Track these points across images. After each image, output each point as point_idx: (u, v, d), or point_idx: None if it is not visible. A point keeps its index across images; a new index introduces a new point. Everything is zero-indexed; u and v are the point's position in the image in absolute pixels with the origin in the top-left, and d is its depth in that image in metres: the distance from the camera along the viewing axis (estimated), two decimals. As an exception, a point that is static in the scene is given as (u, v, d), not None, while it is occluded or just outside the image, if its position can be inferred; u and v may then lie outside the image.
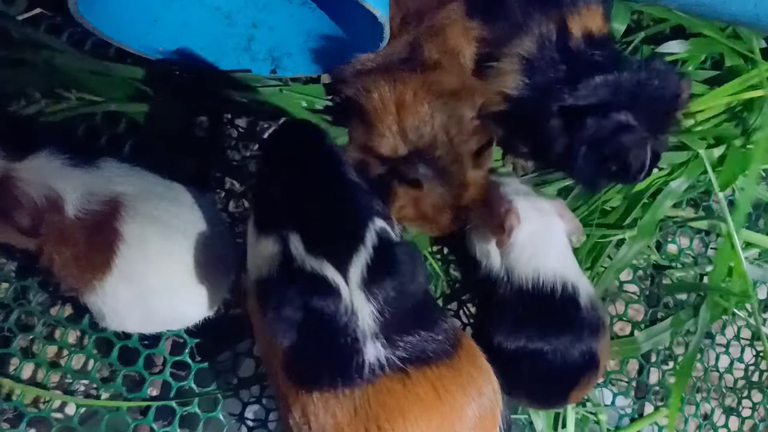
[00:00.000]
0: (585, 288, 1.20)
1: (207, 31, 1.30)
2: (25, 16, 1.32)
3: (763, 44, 1.54)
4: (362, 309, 0.94)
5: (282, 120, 1.21)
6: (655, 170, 1.41)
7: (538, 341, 1.15)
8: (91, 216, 1.08)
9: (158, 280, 1.09)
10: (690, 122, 1.44)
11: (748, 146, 1.47)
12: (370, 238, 0.95)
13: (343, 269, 0.94)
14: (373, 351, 0.95)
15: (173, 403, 1.22)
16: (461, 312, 1.38)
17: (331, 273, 0.93)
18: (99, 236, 1.08)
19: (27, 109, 1.23)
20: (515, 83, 1.26)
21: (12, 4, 1.31)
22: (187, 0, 1.27)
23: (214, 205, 1.19)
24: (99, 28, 1.18)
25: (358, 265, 0.94)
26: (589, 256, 1.40)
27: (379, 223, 0.97)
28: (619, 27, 1.48)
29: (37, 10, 1.32)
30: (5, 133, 1.10)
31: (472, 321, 1.37)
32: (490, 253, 1.22)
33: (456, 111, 1.21)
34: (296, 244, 0.94)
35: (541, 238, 1.19)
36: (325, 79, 1.37)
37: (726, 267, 1.45)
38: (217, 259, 1.14)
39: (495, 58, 1.27)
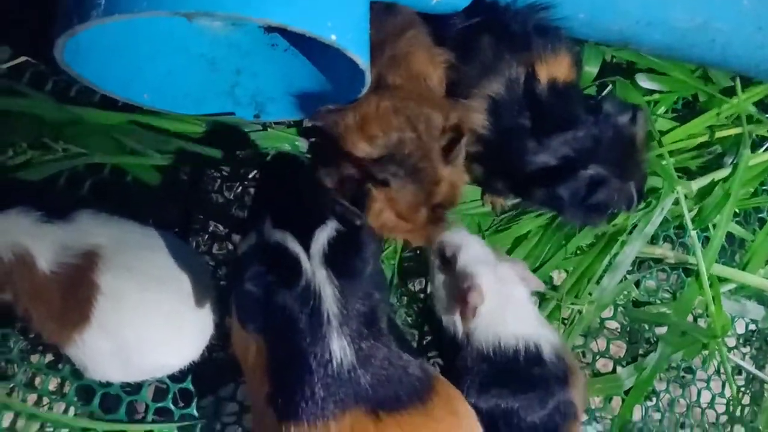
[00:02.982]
0: (548, 341, 1.21)
1: (191, 77, 1.32)
2: (10, 64, 1.33)
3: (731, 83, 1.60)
4: (325, 288, 0.97)
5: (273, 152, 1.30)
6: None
7: (510, 400, 1.16)
8: (67, 269, 1.08)
9: (137, 332, 1.09)
10: (662, 159, 1.48)
11: (723, 183, 1.51)
12: (334, 222, 1.01)
13: (304, 242, 0.99)
14: (338, 344, 0.97)
15: (156, 451, 1.20)
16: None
17: (293, 244, 0.98)
18: (76, 290, 1.07)
19: (14, 160, 1.24)
20: (482, 123, 1.29)
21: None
22: (171, 48, 1.29)
23: (194, 251, 1.19)
24: (84, 76, 1.19)
25: (320, 241, 0.99)
26: (570, 294, 1.42)
27: (343, 211, 1.03)
28: (592, 70, 1.52)
29: (22, 59, 1.34)
30: None
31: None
32: (455, 321, 1.22)
33: (422, 111, 1.21)
34: (267, 226, 1.01)
35: (501, 308, 1.19)
36: (307, 123, 1.40)
37: (690, 301, 1.48)
38: (198, 304, 1.13)
39: (464, 95, 1.30)
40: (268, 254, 0.99)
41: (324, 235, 1.00)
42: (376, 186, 1.18)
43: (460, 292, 1.18)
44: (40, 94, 1.29)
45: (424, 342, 1.39)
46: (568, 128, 1.25)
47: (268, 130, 1.36)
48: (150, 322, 1.10)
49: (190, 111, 1.33)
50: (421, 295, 1.42)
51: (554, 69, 1.28)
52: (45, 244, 1.08)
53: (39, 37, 1.19)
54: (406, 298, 1.41)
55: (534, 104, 1.27)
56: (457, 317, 1.20)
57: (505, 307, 1.20)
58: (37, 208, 1.09)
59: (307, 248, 0.99)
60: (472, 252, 1.23)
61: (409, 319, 1.40)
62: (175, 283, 1.12)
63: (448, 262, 1.23)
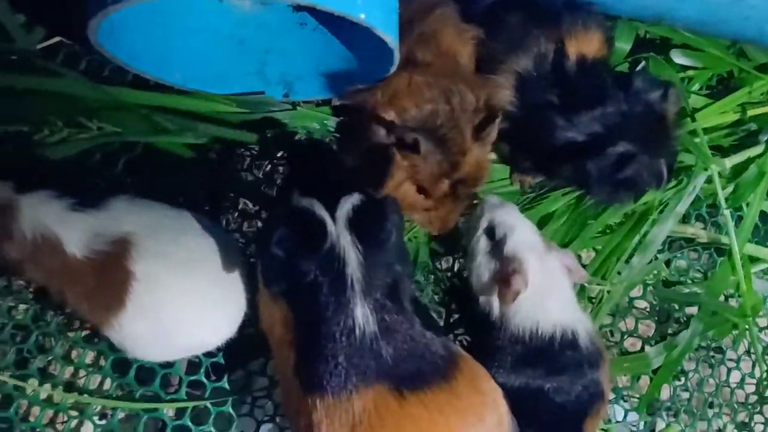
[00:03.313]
0: (584, 328, 1.20)
1: (221, 56, 1.33)
2: (44, 44, 1.35)
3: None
4: (349, 253, 0.99)
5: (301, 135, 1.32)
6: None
7: (541, 380, 1.17)
8: (100, 256, 1.10)
9: (173, 313, 1.12)
10: (695, 136, 1.46)
11: (758, 161, 1.49)
12: (359, 194, 1.03)
13: (330, 208, 1.01)
14: (361, 312, 0.99)
15: (189, 422, 1.23)
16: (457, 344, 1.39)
17: (319, 209, 1.01)
18: (110, 275, 1.10)
19: (50, 138, 1.27)
20: (510, 99, 1.28)
21: (31, 33, 1.35)
22: (201, 27, 1.30)
23: (225, 230, 1.21)
24: (117, 56, 1.21)
25: (345, 207, 1.01)
26: (598, 273, 1.41)
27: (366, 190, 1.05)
28: (624, 46, 1.49)
29: (56, 39, 1.36)
30: (20, 164, 1.13)
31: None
32: (491, 300, 1.21)
33: (457, 87, 1.21)
34: (295, 196, 1.04)
35: (543, 297, 1.18)
36: (336, 102, 1.40)
37: (723, 281, 1.46)
38: (230, 284, 1.16)
39: (492, 71, 1.29)
40: (294, 218, 1.01)
41: (349, 202, 1.02)
42: (402, 152, 1.18)
43: (504, 274, 1.17)
44: (75, 74, 1.31)
45: (451, 320, 1.40)
46: (596, 105, 1.24)
47: (297, 108, 1.37)
48: (185, 304, 1.12)
49: (220, 90, 1.34)
50: (449, 274, 1.43)
51: (584, 45, 1.26)
52: (75, 232, 1.10)
53: (73, 17, 1.21)
54: (433, 276, 1.41)
55: (562, 80, 1.26)
56: (495, 297, 1.20)
57: (547, 296, 1.18)
58: (69, 194, 1.12)
59: (332, 214, 1.00)
60: (524, 236, 1.21)
61: (436, 297, 1.41)
62: (207, 264, 1.14)
63: (495, 241, 1.22)
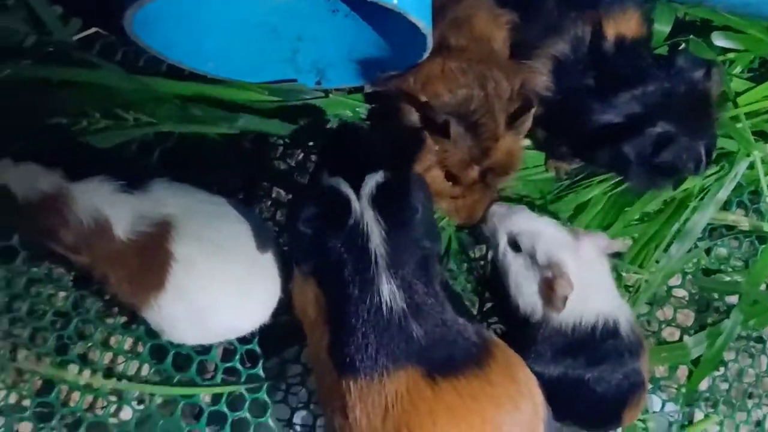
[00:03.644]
0: (625, 316, 1.19)
1: (254, 44, 1.33)
2: (80, 36, 1.37)
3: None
4: (372, 228, 0.99)
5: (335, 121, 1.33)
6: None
7: (580, 370, 1.16)
8: (143, 237, 1.12)
9: (209, 297, 1.14)
10: (737, 121, 1.42)
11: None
12: (386, 172, 1.04)
13: (355, 186, 1.02)
14: (387, 287, 0.99)
15: (225, 408, 1.25)
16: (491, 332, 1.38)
17: (344, 187, 1.02)
18: (152, 256, 1.12)
19: (89, 129, 1.29)
20: (545, 84, 1.26)
21: (67, 25, 1.37)
22: (234, 16, 1.30)
23: (260, 217, 1.22)
24: (152, 46, 1.22)
25: (369, 184, 1.02)
26: (636, 261, 1.39)
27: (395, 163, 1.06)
28: (663, 28, 1.46)
29: (92, 30, 1.38)
30: (67, 153, 1.15)
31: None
32: (533, 306, 1.19)
33: (492, 73, 1.20)
34: (324, 176, 1.05)
35: (584, 290, 1.16)
36: (368, 89, 1.40)
37: (765, 269, 1.43)
38: (265, 269, 1.17)
39: (527, 55, 1.27)
40: (320, 196, 1.03)
41: (374, 179, 1.02)
42: (433, 135, 1.17)
43: (546, 282, 1.15)
44: (111, 65, 1.32)
45: (484, 309, 1.39)
46: (636, 84, 1.21)
47: (330, 96, 1.37)
48: (221, 288, 1.14)
49: (253, 78, 1.35)
50: (482, 262, 1.41)
51: (622, 26, 1.23)
52: (123, 213, 1.12)
53: (109, 8, 1.22)
54: (466, 264, 1.41)
55: (600, 62, 1.23)
56: (539, 303, 1.18)
57: (588, 288, 1.16)
58: (116, 177, 1.13)
59: (357, 191, 1.01)
60: (551, 238, 1.19)
61: (469, 285, 1.40)
62: (243, 249, 1.15)
63: (524, 252, 1.20)
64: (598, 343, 1.16)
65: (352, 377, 0.99)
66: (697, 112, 1.23)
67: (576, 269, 1.16)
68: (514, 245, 1.22)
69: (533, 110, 1.18)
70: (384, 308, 0.99)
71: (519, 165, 1.26)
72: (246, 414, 1.25)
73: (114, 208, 1.12)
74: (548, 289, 1.15)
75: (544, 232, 1.20)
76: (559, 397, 1.12)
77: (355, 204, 1.01)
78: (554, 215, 1.38)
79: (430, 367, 0.98)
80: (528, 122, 1.20)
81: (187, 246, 1.12)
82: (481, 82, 1.19)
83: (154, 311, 1.14)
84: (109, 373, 1.28)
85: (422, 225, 1.02)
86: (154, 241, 1.12)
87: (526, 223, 1.21)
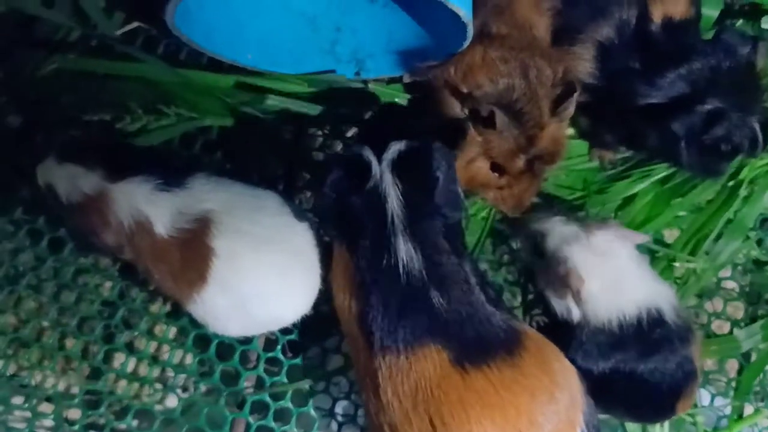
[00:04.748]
0: (667, 301, 1.15)
1: (293, 36, 1.34)
2: (124, 30, 1.39)
3: None
4: (389, 191, 1.04)
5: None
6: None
7: (632, 362, 1.13)
8: (183, 233, 1.14)
9: (252, 289, 1.15)
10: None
11: None
12: (408, 141, 1.08)
13: (377, 152, 1.07)
14: (404, 247, 1.02)
15: (267, 397, 1.26)
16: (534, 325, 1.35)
17: (367, 153, 1.07)
18: (193, 252, 1.13)
19: (131, 126, 1.31)
20: (589, 71, 1.24)
21: (110, 19, 1.39)
22: (273, 7, 1.30)
23: (300, 209, 1.21)
24: (193, 39, 1.23)
25: (392, 150, 1.07)
26: (684, 249, 1.35)
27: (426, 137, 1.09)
28: (712, 13, 1.41)
29: (134, 24, 1.40)
30: (107, 154, 1.17)
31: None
32: (570, 308, 1.17)
33: (534, 61, 1.18)
34: (355, 144, 1.12)
35: (615, 282, 1.13)
36: (407, 79, 1.39)
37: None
38: (305, 260, 1.17)
39: (570, 42, 1.24)
40: (345, 162, 1.09)
41: (397, 147, 1.07)
42: (477, 126, 1.16)
43: (561, 281, 1.14)
44: (153, 58, 1.34)
45: (528, 299, 1.37)
46: (682, 62, 1.18)
47: (369, 87, 1.37)
48: (263, 280, 1.15)
49: (292, 70, 1.35)
50: (522, 254, 1.39)
51: (670, 7, 1.20)
52: (163, 211, 1.14)
53: (151, 2, 1.24)
54: (507, 256, 1.39)
55: (646, 44, 1.20)
56: (571, 302, 1.16)
57: (618, 278, 1.14)
58: (155, 175, 1.15)
59: (378, 156, 1.06)
60: (558, 234, 1.17)
61: (510, 276, 1.38)
62: (283, 241, 1.16)
63: (542, 252, 1.19)
64: (646, 334, 1.13)
65: (380, 353, 0.99)
66: (746, 88, 1.19)
67: (591, 263, 1.13)
68: (536, 248, 1.21)
69: (576, 95, 1.16)
70: (401, 270, 1.01)
71: (565, 152, 1.24)
72: (288, 404, 1.26)
73: (154, 207, 1.14)
74: (564, 286, 1.13)
75: (551, 229, 1.19)
76: (613, 391, 1.11)
77: (376, 168, 1.05)
78: (599, 206, 1.35)
79: (457, 351, 0.97)
80: (572, 107, 1.18)
81: (228, 240, 1.13)
82: (523, 70, 1.17)
83: (197, 305, 1.16)
84: (154, 361, 1.30)
85: (443, 194, 1.05)
86: (195, 237, 1.13)
87: (539, 222, 1.21)
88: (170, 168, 1.19)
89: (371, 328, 1.01)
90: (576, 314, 1.16)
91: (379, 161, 1.06)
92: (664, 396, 1.16)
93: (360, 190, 1.05)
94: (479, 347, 0.99)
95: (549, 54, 1.22)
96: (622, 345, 1.14)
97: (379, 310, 1.01)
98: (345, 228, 1.07)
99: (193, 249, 1.13)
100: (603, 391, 1.08)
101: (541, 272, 1.22)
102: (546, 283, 1.20)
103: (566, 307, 1.17)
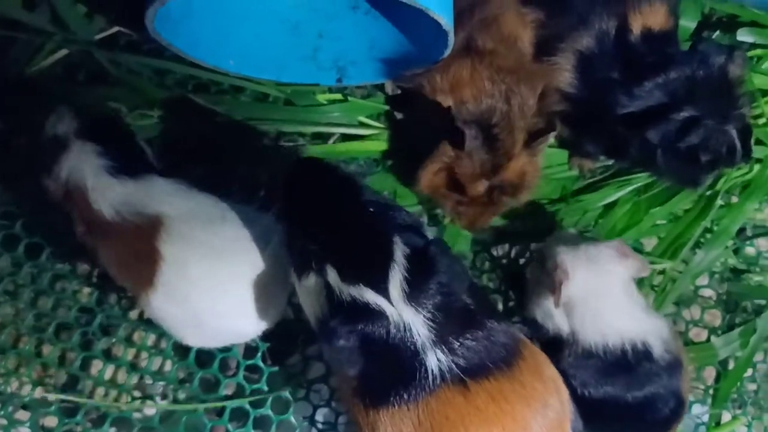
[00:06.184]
0: (656, 334, 1.14)
1: (275, 42, 1.34)
2: (104, 34, 1.39)
3: None
4: (414, 321, 0.95)
5: (294, 160, 1.13)
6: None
7: (620, 392, 1.13)
8: (129, 226, 1.12)
9: (203, 300, 1.11)
10: (764, 119, 1.39)
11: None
12: (400, 251, 0.96)
13: (382, 290, 0.95)
14: (434, 359, 0.96)
15: (247, 405, 1.25)
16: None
17: (372, 296, 0.94)
18: (142, 250, 1.11)
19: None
20: (569, 80, 1.25)
21: (90, 23, 1.38)
22: (256, 13, 1.31)
23: (270, 220, 1.17)
24: (174, 44, 1.23)
25: (396, 281, 0.95)
26: (662, 257, 1.37)
27: (404, 232, 0.98)
28: (689, 24, 1.44)
29: (115, 29, 1.39)
30: (93, 119, 1.20)
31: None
32: (554, 316, 1.16)
33: (520, 89, 1.19)
34: (333, 276, 0.96)
35: (600, 291, 1.13)
36: (389, 89, 1.39)
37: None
38: (270, 274, 1.13)
39: (551, 52, 1.26)
40: (348, 311, 0.95)
41: (398, 275, 0.95)
42: (450, 140, 1.16)
43: (548, 277, 1.13)
44: (134, 61, 1.34)
45: (509, 305, 1.38)
46: (660, 72, 1.19)
47: (349, 100, 1.37)
48: (216, 292, 1.11)
49: (274, 76, 1.36)
50: (504, 261, 1.40)
51: (649, 19, 1.22)
52: (106, 193, 1.13)
53: (131, 7, 1.23)
54: (489, 263, 1.39)
55: (626, 55, 1.22)
56: (553, 310, 1.14)
57: (602, 289, 1.13)
58: (111, 157, 1.15)
59: (385, 294, 0.94)
60: (561, 238, 1.18)
61: (491, 284, 1.39)
62: (244, 253, 1.12)
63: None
64: (632, 366, 1.12)
65: (384, 406, 0.97)
66: (722, 97, 1.21)
67: (582, 266, 1.12)
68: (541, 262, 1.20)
69: (554, 133, 1.18)
70: (429, 377, 0.95)
71: (530, 189, 1.23)
72: (268, 411, 1.25)
73: (95, 181, 1.14)
74: (551, 284, 1.12)
75: (555, 238, 1.19)
76: (601, 417, 1.12)
77: (391, 311, 0.94)
78: (579, 214, 1.37)
79: (461, 375, 0.97)
80: (545, 144, 1.20)
81: (177, 247, 1.10)
82: (508, 95, 1.19)
83: (148, 306, 1.13)
84: (133, 368, 1.29)
85: (455, 280, 0.97)
86: (144, 236, 1.11)
87: (552, 238, 1.20)
88: (132, 159, 1.18)
89: (372, 394, 0.98)
90: (564, 327, 1.16)
91: (386, 295, 0.94)
92: (653, 427, 1.16)
93: (375, 334, 0.94)
94: (482, 365, 0.98)
95: (532, 72, 1.23)
96: (610, 372, 1.13)
97: (391, 400, 0.96)
98: (368, 367, 0.96)
99: (141, 246, 1.11)
100: (594, 418, 1.09)
101: (535, 282, 1.20)
102: (537, 291, 1.19)
103: (551, 314, 1.16)
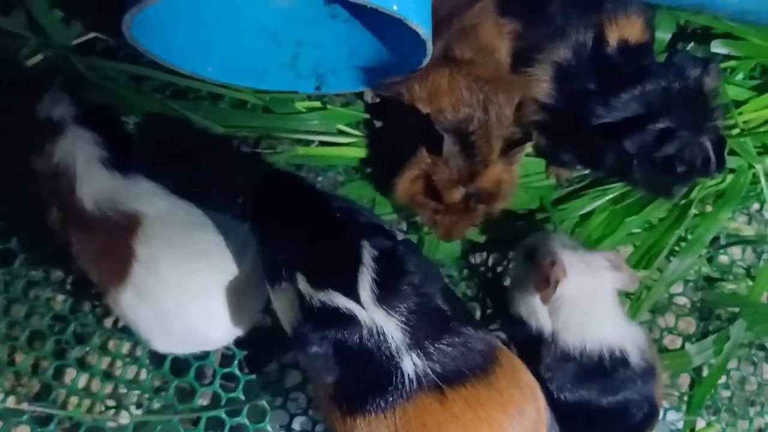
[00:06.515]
0: (633, 343, 1.16)
1: (254, 49, 1.34)
2: (80, 40, 1.37)
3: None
4: (386, 324, 0.95)
5: (260, 173, 1.14)
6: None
7: (595, 396, 1.14)
8: (107, 221, 1.11)
9: (173, 303, 1.10)
10: (740, 135, 1.42)
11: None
12: (368, 253, 0.96)
13: (351, 294, 0.95)
14: (410, 363, 0.96)
15: (223, 414, 1.24)
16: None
17: (342, 301, 0.94)
18: (115, 245, 1.10)
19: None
20: (547, 91, 1.26)
21: (67, 27, 1.37)
22: (235, 20, 1.30)
23: (247, 228, 1.14)
24: (152, 51, 1.22)
25: (366, 284, 0.95)
26: (638, 266, 1.38)
27: (371, 235, 0.98)
28: (664, 36, 1.46)
29: (92, 34, 1.38)
30: (93, 106, 1.19)
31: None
32: (538, 313, 1.17)
33: (498, 99, 1.20)
34: (302, 283, 0.96)
35: (589, 296, 1.14)
36: (368, 97, 1.40)
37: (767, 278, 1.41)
38: (244, 282, 1.12)
39: (528, 63, 1.27)
40: (319, 317, 0.95)
41: (367, 277, 0.95)
42: (427, 146, 1.17)
43: (543, 274, 1.13)
44: (111, 68, 1.33)
45: (486, 313, 1.38)
46: (636, 83, 1.21)
47: (329, 108, 1.37)
48: (187, 295, 1.10)
49: (253, 84, 1.35)
50: (482, 268, 1.41)
51: (626, 31, 1.24)
52: (92, 183, 1.12)
53: (108, 12, 1.23)
54: (467, 270, 1.40)
55: (602, 66, 1.23)
56: (539, 304, 1.15)
57: (593, 296, 1.14)
58: (106, 148, 1.14)
59: (356, 297, 0.94)
60: (559, 241, 1.19)
61: (469, 291, 1.39)
62: (218, 259, 1.11)
63: (531, 255, 1.19)
64: (608, 372, 1.13)
65: (361, 414, 0.97)
66: (697, 108, 1.23)
67: (579, 269, 1.14)
68: (528, 255, 1.21)
69: (530, 144, 1.20)
70: (406, 382, 0.95)
71: (506, 197, 1.24)
72: (245, 420, 1.24)
73: (85, 166, 1.12)
74: (544, 281, 1.12)
75: (556, 237, 1.20)
76: (579, 423, 1.12)
77: (362, 314, 0.94)
78: (557, 223, 1.38)
79: (437, 382, 0.97)
80: (521, 154, 1.22)
81: (151, 248, 1.09)
82: (485, 104, 1.20)
83: (118, 307, 1.12)
84: (107, 377, 1.27)
85: (426, 280, 0.97)
86: (120, 232, 1.10)
87: (539, 236, 1.22)
88: (122, 152, 1.17)
89: (349, 403, 0.98)
90: (546, 326, 1.16)
91: (356, 299, 0.94)
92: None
93: (348, 339, 0.94)
94: (459, 372, 0.98)
95: (510, 82, 1.24)
96: (586, 377, 1.14)
97: (368, 407, 0.96)
98: (343, 373, 0.96)
99: (117, 243, 1.10)
100: (571, 423, 1.10)
101: (521, 277, 1.21)
102: (522, 287, 1.20)
103: (535, 311, 1.17)
